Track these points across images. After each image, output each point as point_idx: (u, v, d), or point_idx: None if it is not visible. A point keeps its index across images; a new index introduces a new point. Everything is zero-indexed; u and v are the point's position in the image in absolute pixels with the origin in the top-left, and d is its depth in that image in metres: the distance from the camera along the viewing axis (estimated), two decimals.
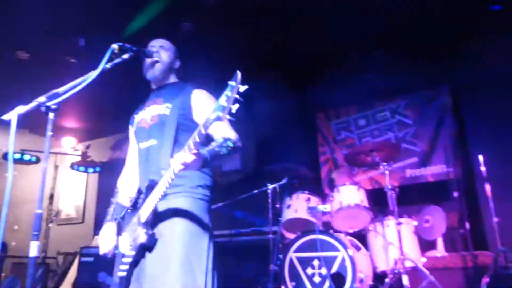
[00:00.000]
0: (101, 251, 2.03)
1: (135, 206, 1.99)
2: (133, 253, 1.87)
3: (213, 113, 1.43)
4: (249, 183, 4.66)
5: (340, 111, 5.72)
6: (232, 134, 1.92)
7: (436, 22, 4.26)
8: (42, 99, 1.60)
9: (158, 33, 4.00)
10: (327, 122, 5.78)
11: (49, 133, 1.62)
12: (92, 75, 1.84)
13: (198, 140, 1.52)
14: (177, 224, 1.84)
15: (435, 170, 4.91)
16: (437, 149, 4.93)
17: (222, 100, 1.40)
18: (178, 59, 2.26)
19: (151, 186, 1.85)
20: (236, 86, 1.38)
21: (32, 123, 6.63)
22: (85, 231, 6.86)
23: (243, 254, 4.49)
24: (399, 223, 3.46)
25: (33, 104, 1.59)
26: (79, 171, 6.76)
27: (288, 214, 3.92)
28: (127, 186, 2.21)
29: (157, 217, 1.85)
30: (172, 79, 2.23)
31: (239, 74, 1.39)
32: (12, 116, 1.47)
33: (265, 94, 4.24)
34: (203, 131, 1.50)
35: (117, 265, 1.97)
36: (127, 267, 1.89)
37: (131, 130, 2.26)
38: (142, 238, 1.82)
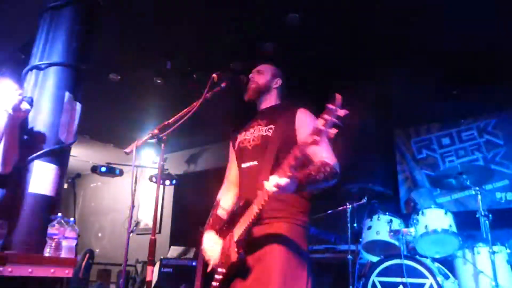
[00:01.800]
0: (211, 259, 1.96)
1: (230, 224, 2.00)
2: (224, 271, 1.87)
3: (309, 136, 1.38)
4: (324, 201, 4.57)
5: (420, 129, 5.50)
6: (332, 159, 1.85)
7: None
8: (155, 131, 1.73)
9: (241, 55, 4.12)
10: (406, 139, 5.57)
11: (161, 162, 1.75)
12: (196, 105, 1.95)
13: (293, 163, 1.47)
14: (278, 251, 1.80)
15: None
16: None
17: (320, 123, 1.34)
18: (279, 78, 2.24)
19: (245, 205, 1.84)
20: (335, 109, 1.32)
21: (116, 139, 7.13)
22: (162, 241, 7.10)
23: (317, 272, 4.42)
24: (493, 252, 3.24)
25: (148, 136, 1.73)
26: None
27: (369, 236, 3.83)
28: (225, 201, 2.22)
29: (258, 241, 1.83)
30: (274, 99, 2.22)
31: (339, 97, 1.32)
32: (133, 148, 1.61)
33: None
34: (298, 154, 1.45)
35: (197, 278, 2.01)
36: (217, 283, 1.89)
37: (232, 148, 2.27)
38: (233, 257, 1.81)
